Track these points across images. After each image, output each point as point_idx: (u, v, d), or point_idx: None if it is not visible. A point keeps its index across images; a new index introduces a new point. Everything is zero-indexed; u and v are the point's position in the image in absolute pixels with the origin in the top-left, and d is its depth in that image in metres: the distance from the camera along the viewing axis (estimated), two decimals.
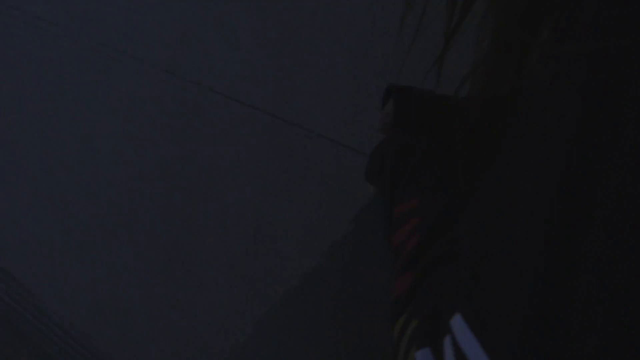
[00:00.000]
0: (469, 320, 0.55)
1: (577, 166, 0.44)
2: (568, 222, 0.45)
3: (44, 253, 2.79)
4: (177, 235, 2.27)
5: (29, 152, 3.08)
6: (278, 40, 2.85)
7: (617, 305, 0.43)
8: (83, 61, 3.27)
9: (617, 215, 0.42)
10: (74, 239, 2.74)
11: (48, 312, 3.32)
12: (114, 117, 2.95)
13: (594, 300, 0.44)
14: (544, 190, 0.47)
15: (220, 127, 2.66)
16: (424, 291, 0.80)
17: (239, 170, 2.46)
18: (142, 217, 2.42)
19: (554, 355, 0.46)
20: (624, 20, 0.42)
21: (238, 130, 2.63)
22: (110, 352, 2.67)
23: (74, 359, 3.10)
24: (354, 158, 2.29)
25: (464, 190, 0.91)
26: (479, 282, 0.55)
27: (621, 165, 0.42)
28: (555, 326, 0.46)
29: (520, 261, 0.48)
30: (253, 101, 2.71)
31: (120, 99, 3.02)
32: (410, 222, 0.95)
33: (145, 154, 2.71)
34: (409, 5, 0.75)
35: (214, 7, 3.10)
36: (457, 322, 0.57)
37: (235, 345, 1.93)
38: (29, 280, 3.15)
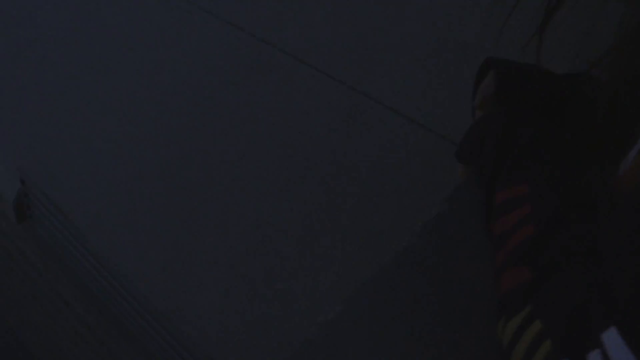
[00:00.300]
0: (627, 336, 0.53)
1: None
2: None
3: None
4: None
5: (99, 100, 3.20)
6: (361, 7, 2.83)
7: None
8: (155, 10, 3.31)
9: None
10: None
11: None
12: (181, 66, 2.98)
13: None
14: None
15: (287, 91, 2.67)
16: (550, 292, 0.75)
17: (300, 128, 2.48)
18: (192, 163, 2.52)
19: None
20: None
21: (305, 95, 2.63)
22: None
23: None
24: (426, 136, 2.27)
25: (584, 179, 0.87)
26: None
27: None
28: None
29: None
30: (325, 68, 2.70)
31: (189, 49, 3.04)
32: (518, 210, 0.89)
33: (208, 104, 2.76)
34: None
35: None
36: (612, 337, 0.55)
37: (237, 345, 2.00)
38: None
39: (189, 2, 3.28)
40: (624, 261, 0.57)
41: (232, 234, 2.18)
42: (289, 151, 2.41)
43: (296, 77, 2.66)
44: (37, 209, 4.33)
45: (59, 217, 3.93)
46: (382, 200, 2.15)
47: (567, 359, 0.64)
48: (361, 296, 1.49)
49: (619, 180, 0.75)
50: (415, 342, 1.34)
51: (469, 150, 1.12)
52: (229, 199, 2.26)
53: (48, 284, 5.01)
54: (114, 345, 4.14)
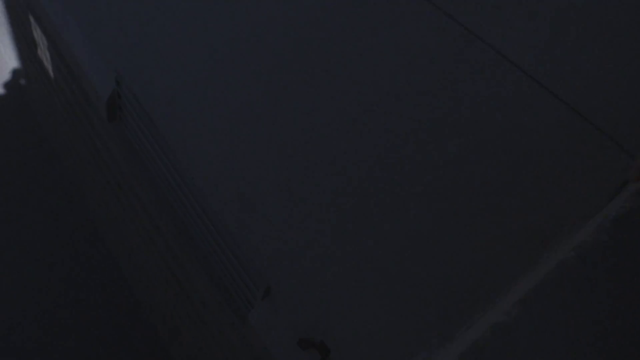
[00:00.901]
0: None
1: None
2: None
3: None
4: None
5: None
6: None
7: None
8: None
9: None
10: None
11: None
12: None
13: None
14: None
15: (395, 20, 2.55)
16: None
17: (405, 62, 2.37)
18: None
19: None
20: None
21: (414, 27, 2.51)
22: None
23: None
24: (548, 101, 2.05)
25: None
26: None
27: None
28: None
29: None
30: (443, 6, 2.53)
31: None
32: None
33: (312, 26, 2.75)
34: None
35: None
36: None
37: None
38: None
39: None
40: None
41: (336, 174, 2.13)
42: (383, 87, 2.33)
43: (406, 5, 2.50)
44: (127, 111, 4.53)
45: (147, 122, 4.10)
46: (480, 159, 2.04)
47: None
48: (541, 297, 1.32)
49: None
50: (603, 347, 1.19)
51: None
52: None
53: (128, 184, 5.32)
54: (178, 250, 4.38)
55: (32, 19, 5.59)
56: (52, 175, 8.26)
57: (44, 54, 6.01)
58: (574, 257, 1.28)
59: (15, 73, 9.56)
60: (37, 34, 5.61)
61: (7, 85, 9.20)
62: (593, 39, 2.26)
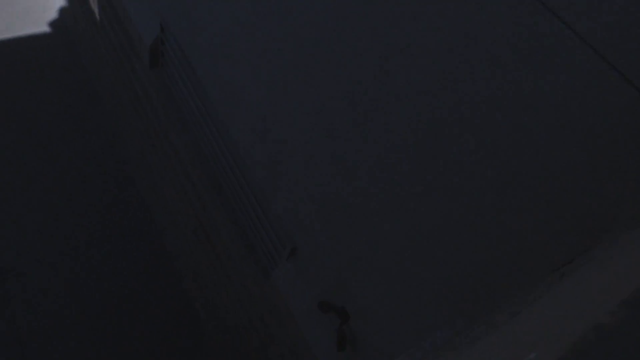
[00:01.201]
0: None
1: None
2: None
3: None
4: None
5: None
6: None
7: None
8: None
9: None
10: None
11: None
12: None
13: None
14: None
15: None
16: None
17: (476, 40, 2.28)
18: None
19: None
20: None
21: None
22: None
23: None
24: (623, 89, 1.88)
25: None
26: None
27: None
28: None
29: None
30: None
31: None
32: None
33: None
34: None
35: None
36: None
37: None
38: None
39: None
40: None
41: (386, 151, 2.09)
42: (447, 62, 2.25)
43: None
44: (169, 58, 4.53)
45: (187, 71, 4.09)
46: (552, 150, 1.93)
47: None
48: None
49: None
50: None
51: None
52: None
53: (164, 132, 5.37)
54: (209, 202, 4.44)
55: None
56: (93, 118, 8.41)
57: None
58: None
59: (61, 12, 9.66)
60: None
61: (53, 24, 9.31)
62: None
